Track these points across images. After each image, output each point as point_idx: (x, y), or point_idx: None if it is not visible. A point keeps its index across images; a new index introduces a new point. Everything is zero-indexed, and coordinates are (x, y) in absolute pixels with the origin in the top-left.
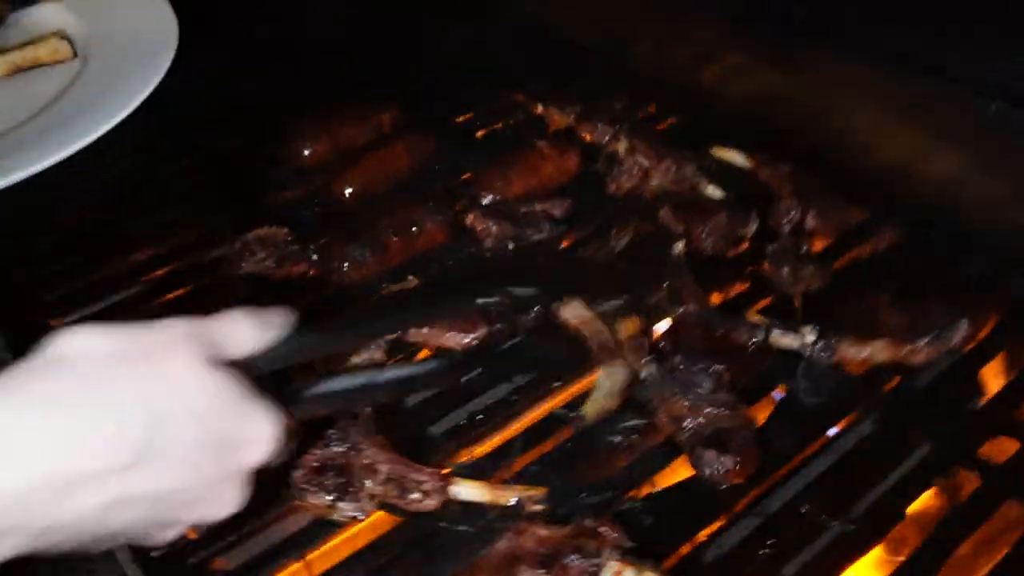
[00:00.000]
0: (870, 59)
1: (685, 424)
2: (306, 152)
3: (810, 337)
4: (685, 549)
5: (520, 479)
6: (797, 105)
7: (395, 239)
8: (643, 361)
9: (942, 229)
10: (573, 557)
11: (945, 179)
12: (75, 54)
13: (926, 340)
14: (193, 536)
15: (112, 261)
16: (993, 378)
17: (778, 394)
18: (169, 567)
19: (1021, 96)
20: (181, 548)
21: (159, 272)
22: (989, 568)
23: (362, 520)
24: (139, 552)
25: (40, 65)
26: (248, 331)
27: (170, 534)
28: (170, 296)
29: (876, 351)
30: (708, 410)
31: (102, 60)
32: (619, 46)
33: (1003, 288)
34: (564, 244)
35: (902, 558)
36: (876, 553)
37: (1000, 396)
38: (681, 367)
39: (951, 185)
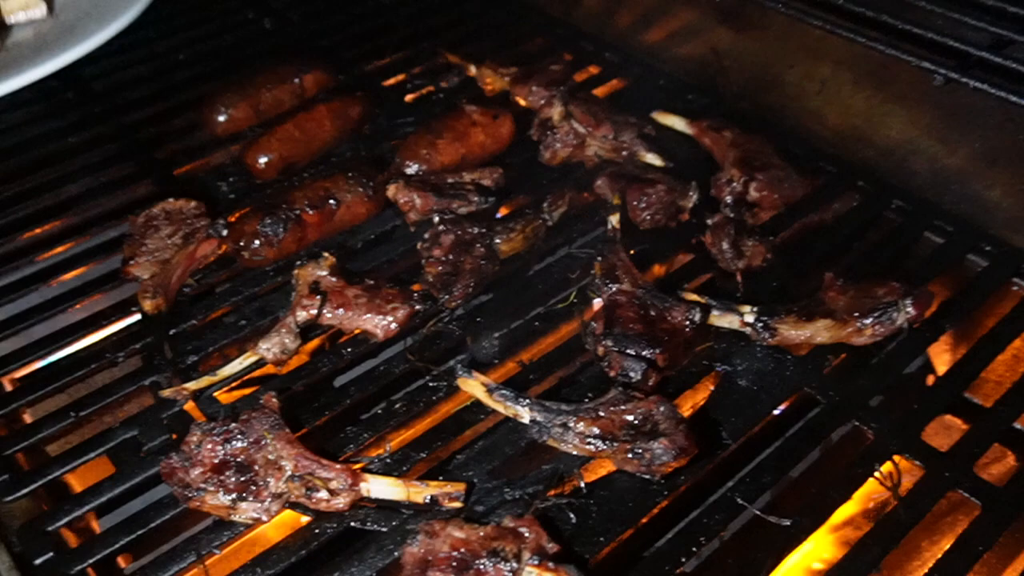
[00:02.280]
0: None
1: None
2: (221, 119)
3: (750, 317)
4: (613, 546)
5: (439, 473)
6: (747, 67)
7: (312, 213)
8: (525, 405)
9: (893, 202)
10: (488, 562)
11: (899, 148)
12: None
13: (870, 320)
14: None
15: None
16: (940, 355)
17: (720, 372)
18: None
19: (973, 61)
20: (67, 554)
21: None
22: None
23: (265, 522)
24: (20, 559)
25: None
26: None
27: None
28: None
29: (818, 331)
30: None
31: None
32: (564, 4)
33: (954, 264)
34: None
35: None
36: (818, 542)
37: (947, 376)
38: (613, 352)
39: (905, 155)
